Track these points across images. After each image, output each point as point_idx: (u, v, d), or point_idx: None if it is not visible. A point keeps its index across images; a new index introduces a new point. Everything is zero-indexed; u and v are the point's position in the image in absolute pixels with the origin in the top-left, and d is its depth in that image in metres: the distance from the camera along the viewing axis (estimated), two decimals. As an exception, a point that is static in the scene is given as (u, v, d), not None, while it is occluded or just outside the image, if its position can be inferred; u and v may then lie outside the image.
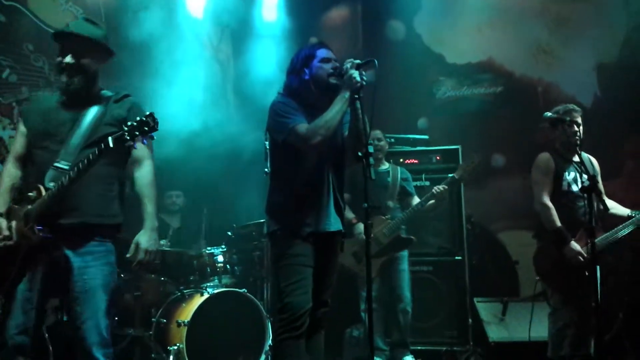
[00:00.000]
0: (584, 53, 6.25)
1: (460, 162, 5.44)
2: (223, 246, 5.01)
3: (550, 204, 4.02)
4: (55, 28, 5.28)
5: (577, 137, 4.01)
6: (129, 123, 2.61)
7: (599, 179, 4.15)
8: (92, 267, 2.80)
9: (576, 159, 4.10)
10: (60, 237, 2.75)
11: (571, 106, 4.10)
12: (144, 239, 2.93)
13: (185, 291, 4.70)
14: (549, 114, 4.02)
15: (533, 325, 4.61)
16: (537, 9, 6.49)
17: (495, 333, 5.26)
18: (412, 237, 4.90)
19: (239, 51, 6.95)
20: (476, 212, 5.70)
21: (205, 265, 4.88)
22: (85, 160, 2.63)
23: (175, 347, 4.29)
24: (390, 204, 4.90)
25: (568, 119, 3.99)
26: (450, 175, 4.77)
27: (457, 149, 5.56)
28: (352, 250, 4.64)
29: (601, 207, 3.73)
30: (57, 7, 5.40)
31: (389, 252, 4.78)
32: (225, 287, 4.72)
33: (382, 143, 5.02)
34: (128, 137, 2.58)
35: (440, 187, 4.65)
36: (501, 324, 5.30)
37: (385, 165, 5.07)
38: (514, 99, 6.56)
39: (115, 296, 2.98)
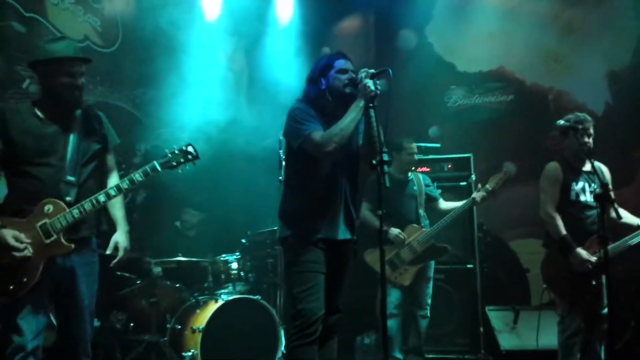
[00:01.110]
0: (594, 61, 6.27)
1: (472, 170, 5.48)
2: (237, 253, 5.07)
3: (555, 214, 4.03)
4: (74, 39, 5.43)
5: (587, 147, 4.02)
6: (173, 150, 3.03)
7: (610, 187, 4.13)
8: (90, 276, 3.02)
9: (586, 168, 4.12)
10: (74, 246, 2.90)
11: (583, 115, 4.09)
12: (122, 238, 3.12)
13: (199, 298, 4.76)
14: (561, 122, 4.04)
15: (545, 334, 4.64)
16: (548, 17, 6.51)
17: (506, 341, 5.25)
18: (447, 245, 4.90)
19: (253, 61, 7.02)
20: (488, 220, 5.72)
21: (220, 272, 4.94)
22: (128, 181, 2.94)
23: (190, 353, 4.35)
24: (421, 212, 4.93)
25: (580, 127, 3.98)
26: (485, 185, 4.71)
27: (469, 157, 5.58)
28: (386, 257, 4.65)
29: (614, 215, 3.71)
30: (76, 18, 5.51)
31: (423, 260, 4.80)
32: (239, 294, 4.77)
33: (416, 156, 5.03)
34: (174, 164, 3.03)
35: (481, 193, 4.64)
36: (513, 332, 5.30)
37: (409, 175, 5.09)
38: (525, 107, 6.58)
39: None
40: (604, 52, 6.24)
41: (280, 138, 4.80)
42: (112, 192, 2.93)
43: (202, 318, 4.43)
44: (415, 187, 4.97)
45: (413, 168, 5.05)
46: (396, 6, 6.92)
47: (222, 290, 4.84)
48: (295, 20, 6.93)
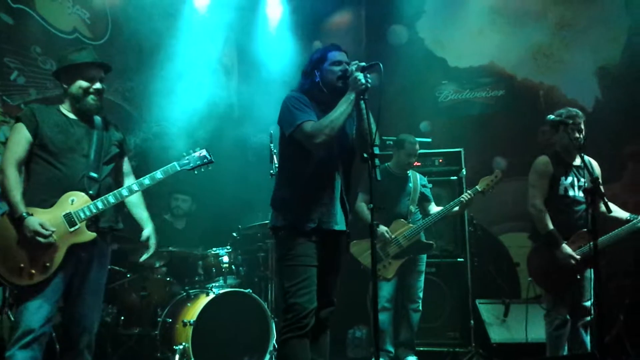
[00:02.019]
0: (585, 56, 6.30)
1: (463, 164, 5.50)
2: (228, 247, 5.06)
3: (543, 208, 4.06)
4: (63, 31, 5.40)
5: (579, 142, 4.04)
6: (191, 154, 3.37)
7: (600, 181, 4.15)
8: (102, 268, 3.25)
9: (576, 163, 4.15)
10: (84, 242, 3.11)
11: (574, 110, 4.11)
12: (152, 235, 3.42)
13: (190, 291, 4.75)
14: (552, 116, 4.06)
15: (535, 326, 4.68)
16: (538, 13, 6.53)
17: (497, 334, 5.30)
18: (432, 242, 4.96)
19: (243, 55, 7.00)
20: (478, 214, 5.74)
21: (211, 266, 4.93)
22: (149, 178, 3.23)
23: (181, 347, 4.34)
24: (412, 208, 4.95)
25: (571, 122, 3.99)
26: (475, 187, 4.75)
27: (460, 152, 5.61)
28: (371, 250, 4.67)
29: (604, 209, 3.72)
30: (65, 10, 5.46)
31: (408, 254, 4.85)
32: (230, 288, 4.76)
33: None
34: (192, 166, 3.36)
35: (468, 195, 4.67)
36: (503, 325, 5.34)
37: (408, 173, 5.09)
38: (516, 102, 6.61)
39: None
40: (594, 47, 6.27)
41: (271, 131, 4.80)
42: (135, 187, 3.20)
43: (193, 311, 4.42)
44: (410, 184, 4.99)
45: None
46: (387, 1, 6.95)
47: (213, 284, 4.83)
48: (286, 14, 6.93)
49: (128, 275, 4.88)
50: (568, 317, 4.05)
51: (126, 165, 3.45)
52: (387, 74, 3.00)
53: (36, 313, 2.94)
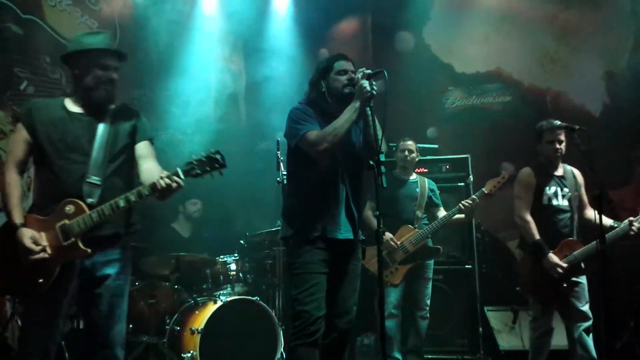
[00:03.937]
0: (592, 61, 6.29)
1: (470, 171, 5.49)
2: (235, 254, 5.07)
3: (529, 218, 4.13)
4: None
5: (558, 154, 4.16)
6: (199, 157, 2.73)
7: (583, 191, 4.29)
8: (121, 274, 2.91)
9: (558, 172, 4.23)
10: (93, 247, 2.79)
11: (554, 123, 4.19)
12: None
13: (198, 299, 4.75)
14: (557, 122, 4.08)
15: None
16: (545, 18, 6.54)
17: (505, 341, 5.28)
18: (439, 247, 4.93)
19: (250, 62, 7.03)
20: (486, 220, 5.73)
21: (218, 274, 4.94)
22: (149, 188, 2.71)
23: (189, 354, 4.34)
24: (419, 213, 4.93)
25: (544, 133, 4.16)
26: (480, 190, 4.72)
27: (467, 158, 5.60)
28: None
29: (588, 216, 4.01)
30: (74, 20, 5.52)
31: (415, 260, 4.82)
32: (238, 295, 4.77)
33: (413, 155, 5.01)
34: (199, 171, 2.72)
35: (469, 200, 4.66)
36: (511, 333, 5.32)
37: (414, 176, 5.08)
38: (523, 108, 6.59)
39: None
40: (601, 52, 6.27)
41: (278, 139, 4.81)
42: (132, 198, 2.73)
43: (201, 319, 4.42)
44: (417, 189, 4.98)
45: (408, 166, 5.03)
46: (393, 8, 6.96)
47: (221, 292, 4.85)
48: (292, 21, 6.96)
49: (136, 284, 4.90)
50: (552, 326, 4.14)
51: (140, 150, 2.98)
52: (393, 81, 3.00)
53: (39, 332, 2.73)
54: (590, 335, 4.05)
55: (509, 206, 5.67)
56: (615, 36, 6.20)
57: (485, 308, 5.48)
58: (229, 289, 4.90)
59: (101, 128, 2.89)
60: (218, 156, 2.74)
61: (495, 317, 5.46)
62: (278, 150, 4.76)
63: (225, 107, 6.71)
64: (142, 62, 6.03)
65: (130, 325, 4.81)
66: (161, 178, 2.68)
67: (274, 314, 4.68)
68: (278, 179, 4.64)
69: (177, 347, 4.53)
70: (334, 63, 3.21)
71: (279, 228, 4.77)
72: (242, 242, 5.22)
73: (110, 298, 2.84)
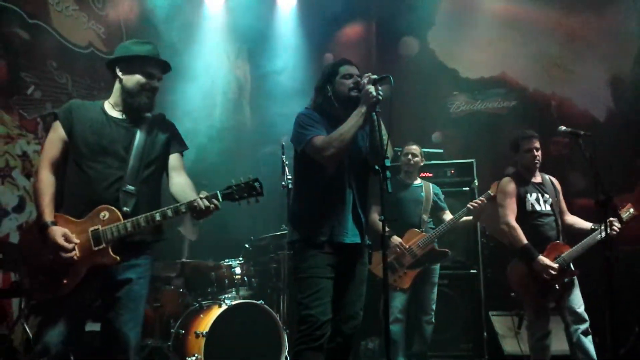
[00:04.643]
0: (597, 67, 6.29)
1: (475, 175, 5.50)
2: (240, 258, 5.09)
3: (514, 224, 4.19)
4: (78, 45, 5.49)
5: (536, 162, 4.29)
6: (239, 183, 2.84)
7: (561, 197, 4.39)
8: (142, 279, 2.92)
9: (536, 180, 4.34)
10: (119, 252, 2.80)
11: (529, 132, 4.34)
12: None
13: (203, 302, 4.76)
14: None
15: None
16: (550, 24, 6.54)
17: (510, 346, 5.27)
18: (447, 250, 4.93)
19: (255, 67, 7.06)
20: (490, 225, 5.71)
21: (223, 277, 4.96)
22: (187, 206, 2.77)
23: (194, 358, 4.35)
24: (425, 217, 4.94)
25: (520, 143, 4.29)
26: (487, 192, 4.75)
27: (472, 163, 5.61)
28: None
29: (570, 222, 4.23)
30: (80, 25, 5.55)
31: (423, 264, 4.82)
32: (243, 299, 4.78)
33: (417, 159, 5.02)
34: (237, 197, 2.84)
35: (477, 200, 4.67)
36: (516, 338, 5.30)
37: (418, 181, 5.10)
38: (528, 113, 6.60)
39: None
40: (606, 58, 6.26)
41: (283, 143, 4.83)
42: (169, 213, 2.79)
43: (206, 323, 4.44)
44: (422, 194, 4.98)
45: (412, 170, 5.03)
46: (398, 13, 6.97)
47: (226, 295, 4.86)
48: (297, 27, 6.99)
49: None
50: (549, 329, 4.14)
51: (173, 162, 3.04)
52: (398, 86, 3.01)
53: (53, 332, 2.71)
54: (590, 337, 4.05)
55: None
56: (620, 42, 6.20)
57: (490, 313, 5.48)
58: (233, 292, 4.92)
59: (139, 135, 2.91)
60: (257, 184, 2.87)
61: (499, 322, 5.46)
62: (283, 155, 4.78)
63: (230, 112, 6.73)
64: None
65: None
66: (200, 199, 2.74)
67: (278, 318, 4.69)
68: (283, 183, 4.65)
69: (181, 350, 4.54)
70: (339, 67, 3.22)
71: (284, 232, 4.80)
72: (247, 246, 5.24)
73: (129, 302, 2.85)
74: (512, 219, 4.21)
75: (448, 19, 6.99)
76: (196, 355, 4.34)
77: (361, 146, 3.22)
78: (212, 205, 2.76)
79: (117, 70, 2.95)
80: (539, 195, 4.28)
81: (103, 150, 2.84)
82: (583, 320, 4.07)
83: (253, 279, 5.11)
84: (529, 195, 4.26)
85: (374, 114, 3.03)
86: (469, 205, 4.68)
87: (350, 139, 3.01)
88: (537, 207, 4.24)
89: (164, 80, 3.08)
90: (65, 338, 2.74)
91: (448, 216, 4.98)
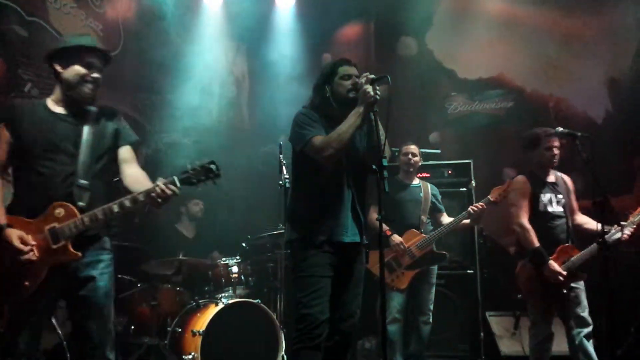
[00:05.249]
0: (594, 68, 6.29)
1: (472, 176, 5.50)
2: (237, 257, 5.08)
3: (528, 225, 4.12)
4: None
5: (554, 161, 4.19)
6: (195, 167, 2.76)
7: (573, 197, 4.31)
8: (105, 274, 2.87)
9: (550, 179, 4.24)
10: (75, 248, 2.76)
11: (551, 130, 4.22)
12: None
13: (200, 301, 4.77)
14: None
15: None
16: (547, 25, 6.54)
17: (507, 347, 5.28)
18: (445, 252, 4.92)
19: (254, 67, 7.06)
20: (488, 226, 5.72)
21: (220, 276, 4.95)
22: (144, 194, 2.70)
23: (190, 356, 4.36)
24: (424, 218, 4.93)
25: (541, 140, 4.17)
26: (487, 197, 4.74)
27: (469, 163, 5.60)
28: (385, 260, 4.64)
29: (579, 222, 4.06)
30: (78, 22, 5.54)
31: (421, 265, 4.82)
32: (240, 298, 4.78)
33: (417, 158, 5.00)
34: (195, 181, 2.76)
35: (478, 205, 4.66)
36: (513, 338, 5.31)
37: (417, 181, 5.07)
38: (525, 114, 6.60)
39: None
40: (604, 59, 6.27)
41: (281, 142, 4.83)
42: (127, 203, 2.73)
43: (203, 321, 4.44)
44: (421, 194, 4.97)
45: (411, 170, 5.01)
46: (396, 13, 6.97)
47: (223, 294, 4.86)
48: (295, 26, 6.98)
49: (138, 285, 4.91)
50: (552, 331, 4.12)
51: (123, 154, 2.98)
52: (396, 86, 3.02)
53: (19, 333, 2.69)
54: (591, 341, 4.05)
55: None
56: (618, 42, 6.20)
57: (487, 313, 5.48)
58: (230, 291, 4.92)
59: (86, 130, 2.86)
60: (213, 166, 2.78)
61: (496, 323, 5.46)
62: (280, 154, 4.77)
63: (228, 111, 6.73)
64: (145, 65, 6.06)
65: (132, 327, 4.84)
66: (157, 185, 2.69)
67: (275, 317, 4.69)
68: (280, 182, 4.65)
69: (178, 348, 4.54)
70: (338, 68, 3.22)
71: (281, 231, 4.79)
72: (244, 244, 5.24)
73: (95, 299, 2.81)
74: (525, 219, 4.13)
75: (446, 20, 6.99)
76: (193, 353, 4.35)
77: (359, 146, 3.22)
78: (169, 192, 2.70)
79: (56, 65, 2.87)
80: (552, 195, 4.19)
81: (52, 148, 2.79)
82: (587, 324, 4.04)
83: (250, 278, 5.11)
84: (542, 195, 4.17)
85: (371, 113, 3.03)
86: (469, 210, 4.67)
87: (348, 139, 3.01)
88: (550, 208, 4.16)
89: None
90: (32, 338, 2.74)
91: (445, 218, 4.98)
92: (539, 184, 4.21)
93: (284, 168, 4.67)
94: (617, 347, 4.62)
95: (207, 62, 6.31)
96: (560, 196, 4.20)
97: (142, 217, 5.73)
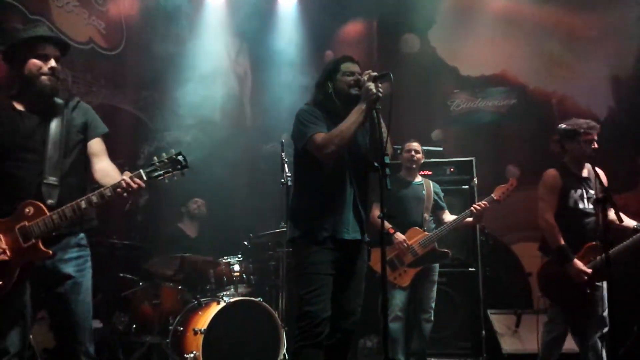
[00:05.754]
0: (598, 65, 6.27)
1: (475, 173, 5.49)
2: (239, 255, 5.08)
3: (554, 222, 4.02)
4: (79, 41, 5.49)
5: (592, 155, 4.00)
6: (161, 159, 2.73)
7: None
8: (83, 271, 2.86)
9: (583, 174, 4.12)
10: (49, 245, 2.73)
11: (593, 122, 4.09)
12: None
13: (202, 299, 4.77)
14: (563, 125, 4.06)
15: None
16: (551, 22, 6.52)
17: (508, 345, 5.28)
18: (447, 250, 4.89)
19: (256, 64, 7.05)
20: (490, 223, 5.71)
21: (222, 274, 4.95)
22: (111, 189, 2.67)
23: (192, 355, 4.36)
24: (426, 216, 4.91)
25: (583, 132, 3.99)
26: (490, 195, 4.73)
27: (471, 161, 5.59)
28: (387, 258, 4.64)
29: (613, 217, 3.73)
30: (81, 21, 5.55)
31: (423, 263, 4.80)
32: (241, 296, 4.78)
33: (419, 155, 4.97)
34: (161, 172, 2.72)
35: (481, 203, 4.64)
36: (514, 336, 5.31)
37: (419, 178, 5.05)
38: (528, 111, 6.59)
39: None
40: (607, 56, 6.25)
41: (283, 140, 4.83)
42: (94, 199, 2.68)
43: (204, 320, 4.44)
44: (423, 192, 4.96)
45: (414, 167, 4.99)
46: (399, 11, 6.95)
47: (224, 292, 4.85)
48: (298, 24, 6.97)
49: (140, 284, 4.92)
50: (567, 330, 4.10)
51: (93, 147, 2.91)
52: (398, 83, 3.01)
53: (8, 333, 2.68)
54: (604, 343, 4.02)
55: (514, 209, 5.67)
56: (621, 40, 6.18)
57: (489, 311, 5.47)
58: (232, 289, 4.91)
59: (53, 126, 2.80)
60: (180, 157, 2.75)
61: (498, 320, 5.45)
62: (282, 152, 4.77)
63: (230, 109, 6.72)
64: (148, 63, 6.07)
65: (134, 325, 4.85)
66: (123, 179, 2.66)
67: (277, 316, 4.69)
68: (282, 180, 4.64)
69: (180, 347, 4.54)
70: (340, 64, 3.22)
71: (283, 230, 4.79)
72: (245, 243, 5.24)
73: (73, 296, 2.79)
74: (551, 216, 4.02)
75: (449, 17, 6.97)
76: (194, 352, 4.35)
77: (361, 143, 3.22)
78: (135, 185, 2.67)
79: (12, 63, 2.80)
80: (584, 191, 4.06)
81: (20, 147, 2.74)
82: (605, 325, 3.98)
83: (252, 276, 5.10)
84: (573, 191, 4.04)
85: (374, 111, 3.02)
86: (472, 208, 4.66)
87: (350, 136, 3.01)
88: (580, 205, 4.04)
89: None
90: (21, 336, 2.72)
91: (447, 216, 4.97)
92: (570, 179, 4.09)
93: (286, 166, 4.66)
94: (619, 346, 4.61)
95: (209, 60, 6.31)
96: (591, 192, 4.06)
97: (144, 216, 5.75)
